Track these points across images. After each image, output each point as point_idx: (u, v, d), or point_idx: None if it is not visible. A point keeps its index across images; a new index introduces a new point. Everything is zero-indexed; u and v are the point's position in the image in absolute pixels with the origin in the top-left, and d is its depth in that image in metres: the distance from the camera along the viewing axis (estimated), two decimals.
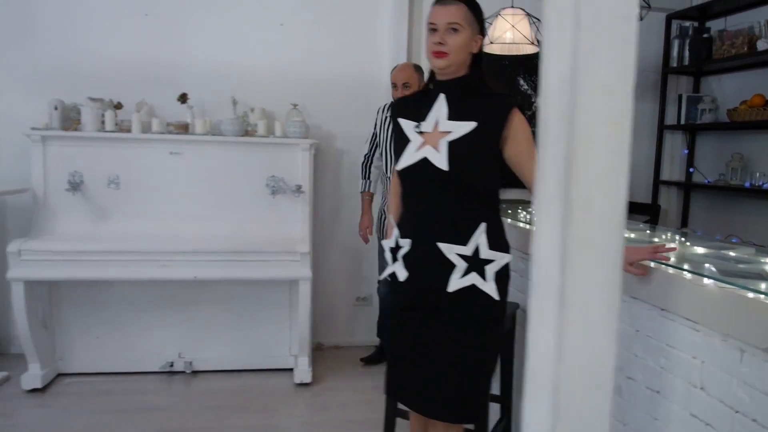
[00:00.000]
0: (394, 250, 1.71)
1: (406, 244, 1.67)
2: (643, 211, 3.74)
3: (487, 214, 1.63)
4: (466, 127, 1.57)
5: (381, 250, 2.91)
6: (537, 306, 0.54)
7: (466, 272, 1.58)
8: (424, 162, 1.59)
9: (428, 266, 1.62)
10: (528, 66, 3.58)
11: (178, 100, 3.20)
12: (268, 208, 3.12)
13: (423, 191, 1.64)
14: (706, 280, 1.36)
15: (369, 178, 3.15)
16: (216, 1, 3.40)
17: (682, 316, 1.39)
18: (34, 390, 2.91)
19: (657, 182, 4.00)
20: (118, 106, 3.18)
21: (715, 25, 3.73)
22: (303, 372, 3.06)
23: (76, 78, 3.29)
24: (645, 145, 3.98)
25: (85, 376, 3.12)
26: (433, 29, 1.59)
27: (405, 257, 1.67)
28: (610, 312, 0.54)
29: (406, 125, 1.66)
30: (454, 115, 1.59)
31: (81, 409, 2.77)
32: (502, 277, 1.61)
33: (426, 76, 1.75)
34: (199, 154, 3.10)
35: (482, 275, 1.58)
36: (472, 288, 1.57)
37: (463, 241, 1.58)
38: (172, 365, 3.18)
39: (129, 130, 3.07)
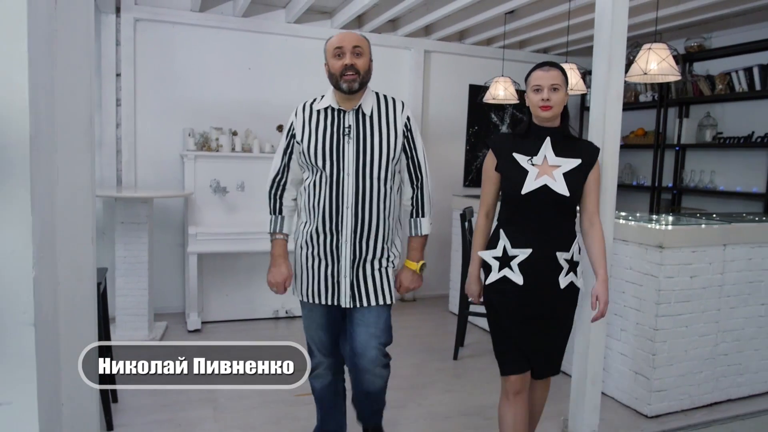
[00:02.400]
0: (505, 259, 2.01)
1: (523, 254, 1.98)
2: None
3: (575, 227, 2.07)
4: (573, 162, 2.00)
5: (307, 326, 2.33)
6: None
7: (567, 272, 2.02)
8: (545, 188, 1.97)
9: (544, 270, 2.00)
10: (497, 107, 5.39)
11: (277, 129, 4.62)
12: None
13: (542, 211, 2.00)
14: (631, 222, 3.14)
15: (281, 212, 2.23)
16: (295, 61, 4.85)
17: (619, 239, 3.16)
18: (195, 330, 4.20)
19: None
20: (235, 133, 4.53)
21: None
22: None
23: (198, 111, 4.58)
24: None
25: (218, 323, 4.44)
26: (537, 90, 1.96)
27: (521, 264, 1.98)
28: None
29: (520, 158, 2.01)
30: (559, 153, 2.00)
31: (240, 337, 4.10)
32: (582, 273, 2.11)
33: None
34: None
35: (575, 273, 2.05)
36: (570, 283, 2.04)
37: (567, 249, 2.02)
38: (277, 312, 4.58)
39: (250, 151, 4.45)
